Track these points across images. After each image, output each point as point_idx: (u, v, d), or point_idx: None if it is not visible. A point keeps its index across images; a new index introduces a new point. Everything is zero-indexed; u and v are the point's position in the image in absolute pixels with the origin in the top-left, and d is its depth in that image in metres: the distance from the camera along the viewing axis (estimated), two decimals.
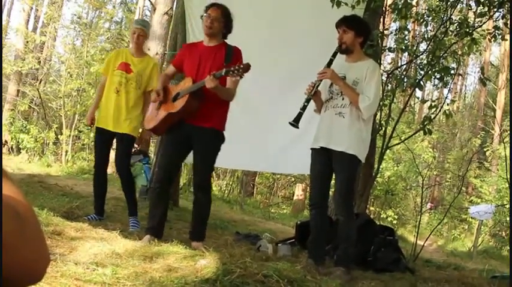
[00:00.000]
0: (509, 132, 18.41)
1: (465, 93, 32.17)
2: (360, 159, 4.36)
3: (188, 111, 4.40)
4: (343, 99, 4.37)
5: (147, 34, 5.60)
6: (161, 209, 4.64)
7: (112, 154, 5.84)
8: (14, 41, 20.80)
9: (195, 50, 4.63)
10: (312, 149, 4.53)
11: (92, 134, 15.98)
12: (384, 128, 6.45)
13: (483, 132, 23.32)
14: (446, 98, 7.47)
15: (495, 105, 23.18)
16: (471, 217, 14.73)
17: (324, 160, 4.42)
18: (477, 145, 21.21)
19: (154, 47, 11.11)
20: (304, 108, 4.39)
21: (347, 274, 4.19)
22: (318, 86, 4.46)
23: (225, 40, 4.66)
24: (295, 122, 4.38)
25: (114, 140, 5.52)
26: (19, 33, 19.53)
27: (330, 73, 4.37)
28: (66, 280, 2.84)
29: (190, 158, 4.78)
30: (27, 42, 19.41)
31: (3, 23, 24.40)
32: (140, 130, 5.43)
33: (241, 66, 4.11)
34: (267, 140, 6.79)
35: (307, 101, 4.44)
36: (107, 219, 5.57)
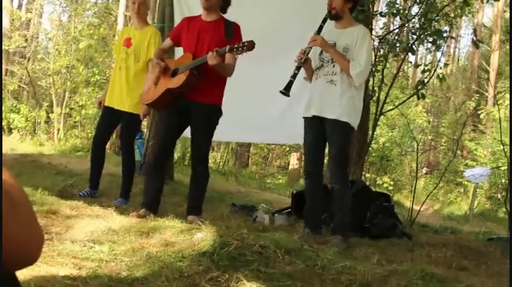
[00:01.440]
0: (503, 94, 18.43)
1: (458, 56, 32.08)
2: (353, 126, 4.34)
3: (188, 87, 4.37)
4: (333, 66, 4.33)
5: (147, 4, 5.45)
6: (157, 184, 4.62)
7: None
8: None
9: (194, 25, 4.56)
10: (304, 118, 4.50)
11: (83, 111, 15.89)
12: (377, 94, 6.42)
13: (477, 95, 23.30)
14: (439, 61, 7.43)
15: (489, 67, 23.14)
16: (467, 181, 14.81)
17: (317, 128, 4.39)
18: (471, 108, 21.22)
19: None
20: (294, 76, 4.35)
21: (344, 242, 4.19)
22: (308, 53, 4.41)
23: (223, 15, 4.58)
24: (285, 91, 4.34)
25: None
26: (4, 11, 19.24)
27: (319, 40, 4.32)
28: (64, 259, 2.83)
29: (185, 133, 4.74)
30: (13, 20, 19.14)
31: None
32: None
33: (246, 43, 4.09)
34: (259, 111, 6.74)
35: (298, 69, 4.39)
36: (102, 196, 5.55)
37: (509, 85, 16.33)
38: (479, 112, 20.54)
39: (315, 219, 4.50)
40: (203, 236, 3.42)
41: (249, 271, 2.88)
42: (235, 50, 4.12)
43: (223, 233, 3.49)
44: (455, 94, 26.48)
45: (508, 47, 21.86)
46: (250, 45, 4.09)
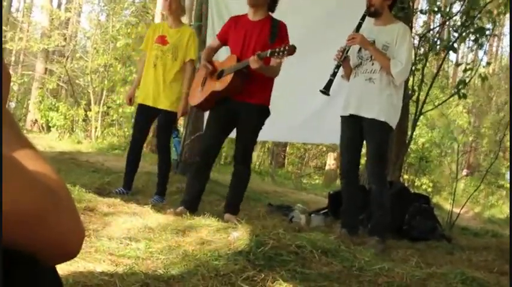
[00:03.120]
0: None
1: (501, 54, 31.28)
2: (391, 125, 4.26)
3: (233, 90, 4.38)
4: (372, 64, 4.26)
5: (180, 1, 5.47)
6: (200, 184, 4.63)
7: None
8: (40, 18, 20.89)
9: (240, 24, 4.55)
10: (341, 116, 4.44)
11: (120, 110, 16.07)
12: (417, 94, 6.30)
13: None
14: (481, 60, 7.27)
15: None
16: (509, 183, 14.45)
17: (354, 127, 4.33)
18: None
19: (182, 19, 11.00)
20: (334, 75, 4.31)
21: (381, 243, 4.13)
22: (348, 51, 4.35)
23: (271, 13, 4.55)
24: (325, 90, 4.30)
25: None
26: (44, 11, 19.60)
27: (359, 38, 4.25)
28: (101, 255, 2.85)
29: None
30: (53, 19, 19.47)
31: (28, 1, 24.60)
32: (181, 104, 5.32)
33: (286, 48, 4.05)
34: (296, 110, 6.70)
35: (337, 67, 4.35)
36: (138, 194, 5.59)
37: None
38: None
39: (352, 219, 4.44)
40: (239, 235, 3.41)
41: (285, 271, 2.85)
42: (276, 54, 4.09)
43: (259, 232, 3.46)
44: (498, 94, 25.88)
45: None
46: (291, 50, 4.06)
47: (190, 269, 2.63)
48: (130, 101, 5.62)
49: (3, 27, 18.62)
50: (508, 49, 30.77)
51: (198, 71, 4.87)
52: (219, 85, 4.44)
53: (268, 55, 4.13)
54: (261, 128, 4.58)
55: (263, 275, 2.67)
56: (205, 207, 4.79)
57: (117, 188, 5.44)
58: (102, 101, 16.92)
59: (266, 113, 4.54)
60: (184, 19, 11.11)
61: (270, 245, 3.11)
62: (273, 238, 3.27)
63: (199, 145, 4.97)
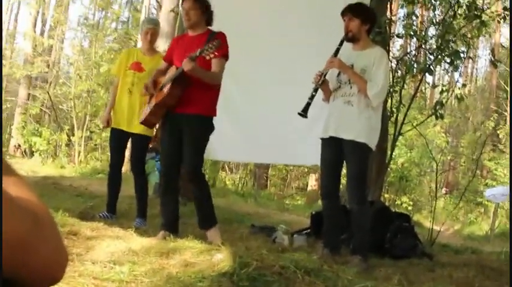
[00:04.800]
0: None
1: (476, 76, 31.89)
2: (371, 147, 4.34)
3: (172, 99, 4.36)
4: (351, 87, 4.35)
5: (158, 33, 5.60)
6: (171, 205, 4.60)
7: (127, 154, 5.84)
8: (23, 45, 20.90)
9: (182, 42, 4.62)
10: (321, 138, 4.52)
11: (104, 134, 16.06)
12: (395, 115, 6.41)
13: (496, 114, 23.12)
14: (457, 81, 7.42)
15: (507, 86, 22.97)
16: (487, 200, 14.63)
17: (334, 149, 4.40)
18: (490, 128, 21.03)
19: (162, 45, 11.07)
20: (312, 98, 4.38)
21: (364, 262, 4.18)
22: (325, 75, 4.44)
23: (210, 27, 4.58)
24: (303, 112, 4.37)
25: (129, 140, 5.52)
26: (27, 38, 19.61)
27: (337, 62, 4.35)
28: (85, 280, 2.86)
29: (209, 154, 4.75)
30: (36, 46, 19.48)
31: (11, 28, 24.55)
32: (155, 128, 5.42)
33: (214, 43, 4.07)
34: (276, 132, 6.77)
35: (315, 90, 4.42)
36: (122, 217, 5.60)
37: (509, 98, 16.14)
38: (498, 132, 20.36)
39: (334, 239, 4.50)
40: (223, 257, 3.44)
41: None
42: (205, 51, 4.09)
43: (242, 253, 3.50)
44: (474, 114, 26.28)
45: None
46: (218, 44, 4.08)
47: None
48: (108, 123, 5.65)
49: None
50: (482, 70, 31.32)
51: (142, 91, 4.89)
52: (159, 97, 4.45)
53: (198, 54, 4.11)
54: (205, 140, 4.50)
55: None
56: (187, 229, 4.81)
57: (100, 212, 5.46)
58: (85, 126, 16.89)
59: (208, 123, 4.46)
60: (167, 45, 11.25)
61: (253, 266, 3.15)
62: (256, 258, 3.31)
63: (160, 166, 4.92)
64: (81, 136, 16.37)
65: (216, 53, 4.13)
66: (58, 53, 21.82)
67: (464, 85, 9.26)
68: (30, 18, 19.92)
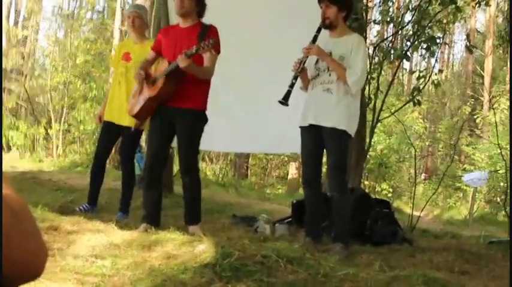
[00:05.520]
0: (498, 98, 18.50)
1: (453, 61, 32.19)
2: (350, 134, 4.35)
3: (166, 94, 4.36)
4: (329, 75, 4.35)
5: (143, 18, 5.48)
6: (154, 197, 4.60)
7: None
8: None
9: (171, 33, 4.57)
10: (300, 127, 4.52)
11: (81, 127, 15.90)
12: (373, 101, 6.45)
13: (472, 99, 23.38)
14: (433, 67, 7.48)
15: (483, 72, 23.24)
16: (465, 185, 14.82)
17: (314, 137, 4.41)
18: (467, 113, 21.27)
19: (146, 33, 10.97)
20: (292, 85, 4.37)
21: (345, 249, 4.21)
22: (305, 62, 4.44)
23: (201, 19, 4.56)
24: (284, 100, 4.36)
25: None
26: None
27: (315, 49, 4.35)
28: (66, 274, 2.85)
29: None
30: (9, 37, 19.20)
31: None
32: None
33: (211, 41, 4.07)
34: (256, 121, 6.77)
35: (295, 78, 4.42)
36: (102, 211, 5.56)
37: (508, 88, 16.36)
38: (475, 117, 20.60)
39: (315, 227, 4.52)
40: (205, 247, 3.44)
41: (251, 281, 2.90)
42: (202, 48, 4.08)
43: (224, 244, 3.51)
44: (451, 100, 26.57)
45: (501, 51, 21.99)
46: (213, 42, 4.08)
47: (157, 285, 2.66)
48: (100, 120, 5.60)
49: None
50: (458, 56, 31.60)
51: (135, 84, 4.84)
52: (152, 91, 4.42)
53: (194, 51, 4.10)
54: (199, 134, 4.51)
55: None
56: (169, 221, 4.79)
57: (81, 205, 5.41)
58: (63, 119, 16.71)
59: (202, 117, 4.50)
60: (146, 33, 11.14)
61: (235, 256, 3.15)
62: (238, 248, 3.32)
63: (146, 158, 4.90)
64: (59, 129, 16.20)
65: (212, 51, 4.15)
66: (33, 44, 21.53)
67: (440, 71, 9.31)
68: (3, 9, 19.61)
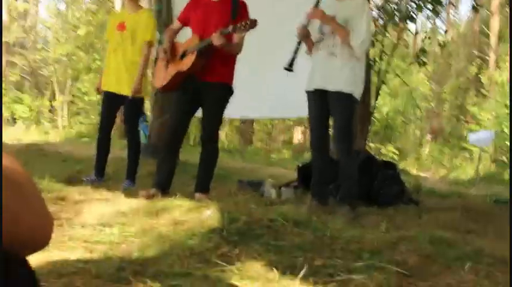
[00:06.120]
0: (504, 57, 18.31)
1: (459, 22, 31.76)
2: (356, 97, 4.34)
3: (197, 69, 4.39)
4: (334, 38, 4.32)
5: None
6: (169, 165, 4.63)
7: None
8: None
9: (201, 5, 4.55)
10: (306, 91, 4.50)
11: (86, 98, 15.91)
12: (378, 64, 6.40)
13: (478, 59, 23.15)
14: (439, 28, 7.38)
15: (489, 31, 22.94)
16: (471, 145, 14.77)
17: (320, 101, 4.40)
18: (473, 73, 21.10)
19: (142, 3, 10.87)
20: (296, 51, 4.35)
21: (352, 211, 4.23)
22: (308, 27, 4.40)
23: None
24: (289, 67, 4.34)
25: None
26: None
27: (319, 13, 4.31)
28: (75, 243, 2.87)
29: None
30: (10, 10, 19.06)
31: None
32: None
33: (248, 22, 4.08)
34: (261, 87, 6.75)
35: (299, 43, 4.40)
36: (109, 180, 5.58)
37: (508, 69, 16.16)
38: (481, 77, 20.42)
39: (322, 191, 4.53)
40: (211, 213, 3.45)
41: (259, 244, 2.91)
42: (238, 29, 4.11)
43: (231, 209, 3.52)
44: (457, 60, 26.29)
45: (507, 9, 21.64)
46: (253, 23, 4.09)
47: (165, 250, 2.68)
48: (98, 90, 5.61)
49: None
50: (465, 16, 31.19)
51: (159, 53, 4.84)
52: (182, 65, 4.45)
53: (230, 31, 4.14)
54: (225, 107, 4.60)
55: (237, 251, 2.74)
56: (176, 188, 4.80)
57: (88, 176, 5.44)
58: (67, 91, 16.69)
59: (230, 91, 4.57)
60: (145, 3, 11.04)
61: (242, 220, 3.17)
62: (244, 213, 3.34)
63: (167, 127, 4.96)
64: (64, 101, 16.19)
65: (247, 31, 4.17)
66: (34, 17, 21.36)
67: (446, 31, 9.20)
68: None
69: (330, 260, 2.74)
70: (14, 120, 16.42)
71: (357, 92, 4.35)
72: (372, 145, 15.69)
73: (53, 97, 16.83)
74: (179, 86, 4.60)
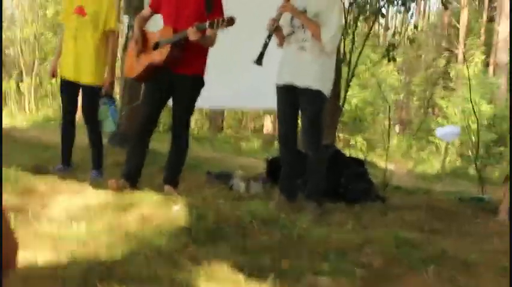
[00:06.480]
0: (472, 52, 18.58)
1: (429, 13, 32.04)
2: (325, 93, 4.36)
3: (171, 61, 4.33)
4: (304, 32, 4.33)
5: None
6: (139, 157, 4.58)
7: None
8: None
9: None
10: (276, 86, 4.51)
11: (54, 80, 15.63)
12: (348, 57, 6.44)
13: (447, 51, 23.42)
14: (409, 23, 7.45)
15: (458, 24, 23.22)
16: (438, 139, 14.98)
17: (290, 97, 4.41)
18: (442, 66, 21.33)
19: None
20: (265, 46, 4.35)
21: (319, 207, 4.27)
22: (279, 21, 4.39)
23: None
24: (258, 61, 4.34)
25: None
26: None
27: (289, 7, 4.32)
28: (41, 240, 2.83)
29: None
30: None
31: None
32: (105, 74, 5.26)
33: (225, 20, 4.03)
34: (232, 76, 6.74)
35: (269, 37, 4.39)
36: (77, 170, 5.52)
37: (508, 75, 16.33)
38: (449, 70, 20.67)
39: (291, 186, 4.56)
40: (179, 209, 3.46)
41: (226, 244, 2.94)
42: (215, 25, 4.06)
43: (199, 205, 3.53)
44: (426, 51, 26.55)
45: (477, 2, 21.97)
46: (230, 22, 4.05)
47: (133, 251, 2.67)
48: (53, 74, 5.50)
49: None
50: (435, 7, 31.49)
51: (130, 42, 4.78)
52: (156, 57, 4.39)
53: (207, 26, 4.10)
54: (197, 98, 4.58)
55: (205, 251, 2.75)
56: (144, 178, 4.76)
57: (56, 166, 5.37)
58: (34, 72, 16.38)
59: (201, 83, 4.54)
60: None
61: (210, 218, 3.19)
62: (213, 209, 3.36)
63: (137, 116, 4.91)
64: (31, 83, 15.90)
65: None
66: None
67: (416, 27, 9.28)
68: None
69: (297, 261, 2.78)
70: None
71: (326, 89, 4.37)
72: (340, 134, 15.81)
73: (20, 78, 16.50)
74: (151, 77, 4.55)
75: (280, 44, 4.54)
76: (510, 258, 2.74)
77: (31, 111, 14.99)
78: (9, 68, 18.35)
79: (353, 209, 4.56)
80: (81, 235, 2.98)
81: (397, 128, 20.24)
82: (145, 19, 4.72)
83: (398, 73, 21.01)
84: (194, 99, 4.57)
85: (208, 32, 4.25)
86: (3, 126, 10.01)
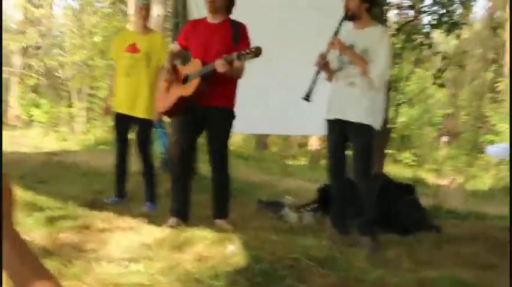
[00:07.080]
0: None
1: (472, 22, 31.44)
2: (376, 127, 4.35)
3: (200, 94, 4.37)
4: (353, 68, 4.34)
5: (150, 8, 5.56)
6: (184, 192, 4.60)
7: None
8: (13, 14, 20.48)
9: (199, 28, 4.55)
10: (326, 120, 4.53)
11: (103, 104, 15.98)
12: (397, 85, 6.40)
13: (494, 63, 22.89)
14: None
15: (504, 34, 22.67)
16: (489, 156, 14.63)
17: (339, 130, 4.43)
18: (488, 79, 20.85)
19: (155, 9, 10.95)
20: (314, 81, 4.36)
21: (373, 241, 4.24)
22: (326, 57, 4.41)
23: (230, 15, 4.56)
24: (307, 97, 4.35)
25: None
26: (18, 8, 19.22)
27: (338, 43, 4.32)
28: (103, 284, 2.91)
29: None
30: (26, 14, 19.15)
31: None
32: None
33: (253, 50, 4.08)
34: (280, 103, 6.77)
35: (318, 73, 4.40)
36: (131, 200, 5.63)
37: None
38: (496, 85, 20.17)
39: (343, 220, 4.55)
40: (235, 248, 3.50)
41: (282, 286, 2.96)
42: (242, 57, 4.10)
43: (253, 244, 3.56)
44: (472, 61, 25.96)
45: None
46: (257, 52, 4.09)
47: None
48: (108, 111, 5.70)
49: None
50: (479, 14, 30.89)
51: (163, 74, 4.84)
52: (185, 90, 4.43)
53: (234, 58, 4.12)
54: (230, 131, 4.60)
55: None
56: (194, 209, 4.76)
57: (109, 198, 5.50)
58: (84, 97, 16.79)
59: (233, 115, 4.55)
60: (160, 9, 11.08)
61: (266, 260, 3.22)
62: (267, 250, 3.39)
63: (173, 151, 4.83)
64: (81, 107, 16.30)
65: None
66: (49, 21, 21.42)
67: (464, 52, 9.16)
68: None
69: None
70: (31, 124, 16.53)
71: (377, 123, 4.37)
72: (389, 151, 15.63)
73: (70, 102, 16.93)
74: (181, 111, 4.58)
75: (329, 79, 4.55)
76: (510, 262, 2.69)
77: (83, 134, 15.33)
78: (59, 91, 18.84)
79: (406, 240, 4.51)
80: (141, 277, 3.06)
81: (443, 138, 19.81)
82: (176, 55, 4.78)
83: (444, 87, 20.61)
84: (228, 133, 4.59)
85: (236, 63, 4.28)
86: (55, 151, 10.32)
